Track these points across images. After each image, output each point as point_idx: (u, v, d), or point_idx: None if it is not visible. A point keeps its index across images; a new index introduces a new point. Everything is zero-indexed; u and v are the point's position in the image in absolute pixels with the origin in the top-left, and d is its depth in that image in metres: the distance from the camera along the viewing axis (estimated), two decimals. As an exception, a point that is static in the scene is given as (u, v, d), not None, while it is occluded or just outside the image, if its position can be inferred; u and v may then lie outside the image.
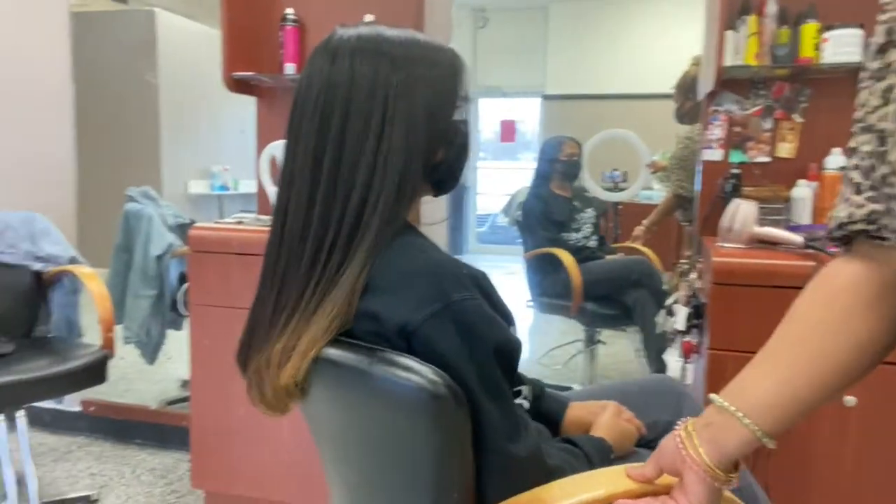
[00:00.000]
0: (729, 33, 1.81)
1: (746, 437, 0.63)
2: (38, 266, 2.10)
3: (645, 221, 3.08)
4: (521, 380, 0.92)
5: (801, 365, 0.63)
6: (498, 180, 7.34)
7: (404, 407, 0.74)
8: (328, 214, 0.80)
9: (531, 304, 3.04)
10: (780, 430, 0.63)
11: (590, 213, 3.06)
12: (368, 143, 0.79)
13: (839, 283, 0.63)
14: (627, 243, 3.15)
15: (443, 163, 0.87)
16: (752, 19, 1.80)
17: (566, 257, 2.69)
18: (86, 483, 2.24)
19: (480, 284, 0.81)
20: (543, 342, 3.79)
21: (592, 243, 3.00)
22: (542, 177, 3.07)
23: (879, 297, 0.61)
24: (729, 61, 1.81)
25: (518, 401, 0.90)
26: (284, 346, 0.80)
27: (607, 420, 1.00)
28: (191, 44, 3.07)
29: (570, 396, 1.11)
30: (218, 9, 2.05)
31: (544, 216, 2.95)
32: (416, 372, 0.73)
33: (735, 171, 1.90)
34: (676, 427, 0.68)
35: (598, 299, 2.75)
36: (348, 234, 0.79)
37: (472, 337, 0.76)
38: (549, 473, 0.81)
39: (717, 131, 1.96)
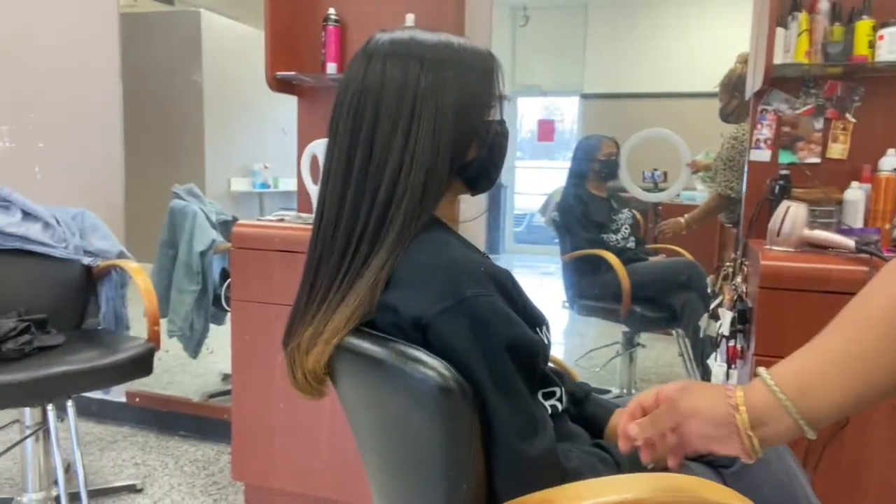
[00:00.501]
0: (779, 30, 1.76)
1: (797, 434, 0.65)
2: (87, 260, 2.16)
3: (686, 216, 3.00)
4: (552, 380, 0.91)
5: (876, 369, 0.62)
6: (536, 180, 7.29)
7: (415, 397, 0.76)
8: (357, 210, 0.84)
9: (567, 305, 3.01)
10: (825, 425, 0.66)
11: (626, 214, 3.01)
12: (396, 141, 0.83)
13: None
14: (659, 243, 3.08)
15: (475, 161, 0.89)
16: (803, 16, 1.75)
17: (613, 259, 2.65)
18: (130, 472, 2.31)
19: (499, 282, 0.81)
20: (581, 344, 3.75)
21: (631, 244, 2.95)
22: (578, 176, 3.03)
23: None
24: (779, 59, 1.76)
25: (552, 402, 0.90)
26: (313, 332, 0.85)
27: None
28: (235, 44, 3.12)
29: (618, 402, 1.09)
30: (261, 10, 2.08)
31: (584, 217, 2.91)
32: (427, 364, 0.74)
33: (784, 171, 1.85)
34: (729, 398, 0.67)
35: (644, 301, 2.69)
36: (375, 228, 0.83)
37: (485, 333, 0.76)
38: (566, 475, 0.80)
39: (765, 131, 1.91)
